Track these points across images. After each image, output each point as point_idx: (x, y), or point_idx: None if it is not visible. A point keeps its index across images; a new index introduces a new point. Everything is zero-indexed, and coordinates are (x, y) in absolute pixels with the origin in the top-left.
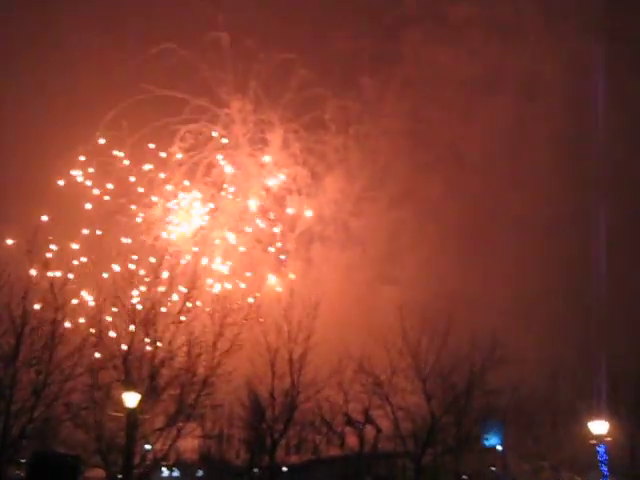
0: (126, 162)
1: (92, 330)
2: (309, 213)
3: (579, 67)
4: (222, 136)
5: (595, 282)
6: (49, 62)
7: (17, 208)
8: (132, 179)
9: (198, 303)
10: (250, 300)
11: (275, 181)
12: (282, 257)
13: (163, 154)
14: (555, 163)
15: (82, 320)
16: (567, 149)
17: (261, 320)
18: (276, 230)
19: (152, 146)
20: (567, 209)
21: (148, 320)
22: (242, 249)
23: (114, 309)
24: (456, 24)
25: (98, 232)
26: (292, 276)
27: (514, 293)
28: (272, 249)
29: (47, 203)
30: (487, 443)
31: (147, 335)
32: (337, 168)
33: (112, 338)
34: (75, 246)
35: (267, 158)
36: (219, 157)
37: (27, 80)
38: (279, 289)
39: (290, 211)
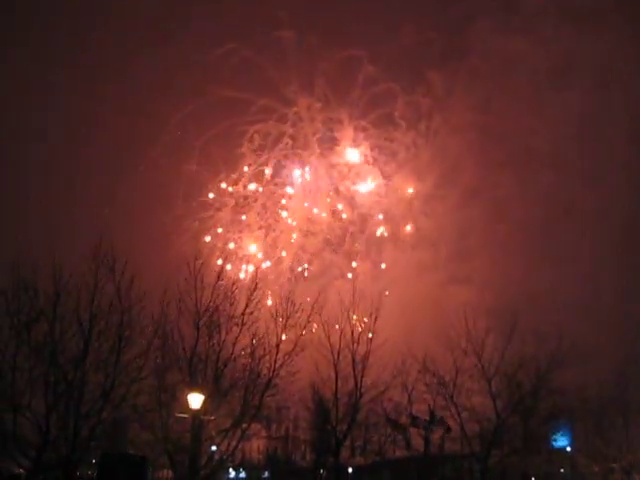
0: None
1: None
2: (380, 215)
3: None
4: (291, 136)
5: None
6: (110, 66)
7: (84, 212)
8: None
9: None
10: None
11: (346, 182)
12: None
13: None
14: (633, 156)
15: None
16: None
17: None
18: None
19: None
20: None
21: (212, 322)
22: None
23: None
24: (526, 13)
25: None
26: (349, 275)
27: (586, 292)
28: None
29: (114, 207)
30: (555, 444)
31: (211, 337)
32: (406, 166)
33: (177, 340)
34: None
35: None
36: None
37: (87, 85)
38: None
39: (360, 211)
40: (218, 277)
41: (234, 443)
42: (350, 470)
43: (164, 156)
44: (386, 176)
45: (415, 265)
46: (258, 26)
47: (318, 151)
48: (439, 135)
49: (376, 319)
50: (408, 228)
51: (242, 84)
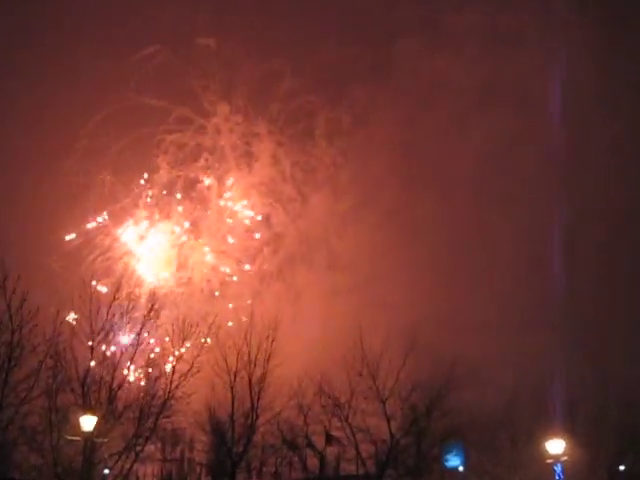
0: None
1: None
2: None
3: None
4: (208, 149)
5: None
6: (29, 65)
7: None
8: None
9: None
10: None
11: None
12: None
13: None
14: (549, 182)
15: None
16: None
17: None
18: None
19: None
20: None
21: (106, 342)
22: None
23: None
24: (452, 33)
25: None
26: (249, 301)
27: (490, 315)
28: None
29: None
30: (448, 464)
31: (105, 357)
32: (325, 185)
33: (69, 361)
34: None
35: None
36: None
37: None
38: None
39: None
40: (114, 296)
41: (127, 466)
42: None
43: (77, 166)
44: (303, 195)
45: (328, 287)
46: (178, 31)
47: (234, 165)
48: (359, 153)
49: (273, 341)
50: (323, 250)
51: (159, 91)
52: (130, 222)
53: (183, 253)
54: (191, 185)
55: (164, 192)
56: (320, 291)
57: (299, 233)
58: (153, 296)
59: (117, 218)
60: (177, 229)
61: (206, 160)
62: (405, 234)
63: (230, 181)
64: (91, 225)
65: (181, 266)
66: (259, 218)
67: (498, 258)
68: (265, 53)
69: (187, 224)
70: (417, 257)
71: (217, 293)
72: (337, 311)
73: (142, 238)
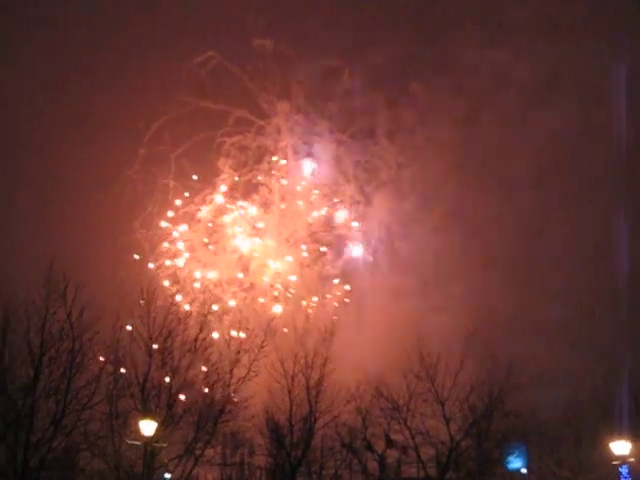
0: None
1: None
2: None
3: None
4: (270, 151)
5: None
6: (83, 74)
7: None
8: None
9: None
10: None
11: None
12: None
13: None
14: (613, 179)
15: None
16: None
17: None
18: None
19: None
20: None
21: (165, 348)
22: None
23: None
24: (512, 25)
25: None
26: (304, 302)
27: (551, 315)
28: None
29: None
30: (511, 467)
31: (164, 363)
32: (388, 185)
33: (129, 367)
34: None
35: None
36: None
37: (59, 95)
38: None
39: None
40: (171, 302)
41: (188, 470)
42: None
43: (140, 173)
44: (366, 195)
45: (390, 290)
46: (233, 34)
47: (296, 166)
48: (421, 152)
49: (330, 344)
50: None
51: (216, 95)
52: (193, 227)
53: (246, 257)
54: (254, 188)
55: (226, 196)
56: (382, 294)
57: (362, 234)
58: (209, 302)
59: (180, 223)
60: (240, 232)
61: (268, 163)
62: (467, 234)
63: (292, 183)
64: (154, 231)
65: (244, 270)
66: (322, 220)
67: (562, 257)
68: (322, 52)
69: (250, 227)
70: (479, 258)
71: (276, 293)
72: (397, 314)
73: (205, 243)
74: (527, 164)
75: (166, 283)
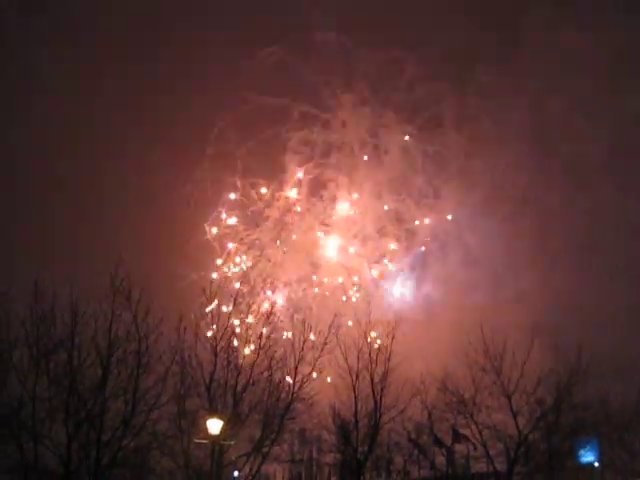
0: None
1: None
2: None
3: None
4: (335, 145)
5: None
6: (146, 75)
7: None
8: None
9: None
10: None
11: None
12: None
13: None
14: None
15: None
16: None
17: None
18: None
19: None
20: None
21: (229, 347)
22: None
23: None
24: (580, 4)
25: None
26: (355, 296)
27: (626, 306)
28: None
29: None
30: (582, 460)
31: (229, 362)
32: (457, 176)
33: (195, 366)
34: None
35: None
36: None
37: (126, 96)
38: None
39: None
40: (234, 302)
41: (256, 467)
42: None
43: (207, 173)
44: (435, 188)
45: (460, 282)
46: (295, 28)
47: (364, 161)
48: (490, 140)
49: (393, 338)
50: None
51: (280, 90)
52: (262, 226)
53: (316, 254)
54: (322, 184)
55: (295, 193)
56: (450, 287)
57: (431, 228)
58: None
59: (250, 222)
60: (309, 229)
61: (336, 159)
62: (538, 224)
63: (359, 177)
64: (223, 231)
65: (315, 267)
66: (389, 214)
67: (636, 245)
68: (385, 42)
69: (318, 224)
70: (550, 247)
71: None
72: (464, 307)
73: (275, 241)
74: (599, 149)
75: (236, 285)
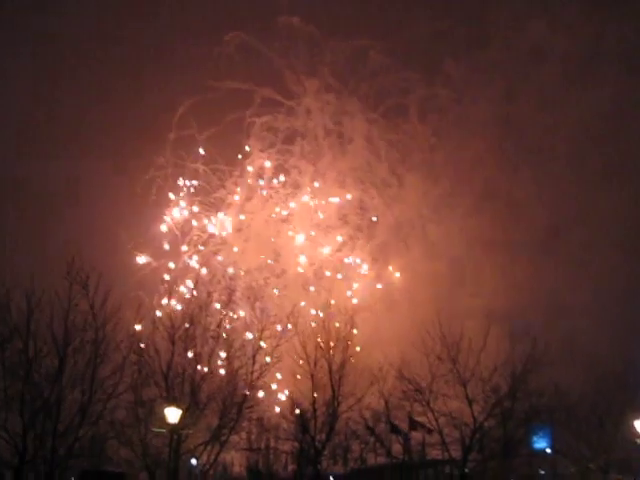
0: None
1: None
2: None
3: None
4: (298, 132)
5: None
6: (109, 61)
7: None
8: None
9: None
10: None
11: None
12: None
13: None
14: None
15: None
16: None
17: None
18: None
19: None
20: None
21: (187, 336)
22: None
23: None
24: None
25: None
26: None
27: (587, 295)
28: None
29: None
30: (536, 446)
31: (186, 351)
32: (420, 167)
33: (152, 355)
34: None
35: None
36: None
37: (86, 81)
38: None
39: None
40: (192, 291)
41: (213, 456)
42: (331, 479)
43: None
44: (398, 177)
45: (421, 274)
46: (258, 12)
47: (328, 149)
48: (455, 131)
49: (352, 327)
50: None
51: (243, 74)
52: (224, 213)
53: (277, 242)
54: (285, 171)
55: (257, 180)
56: (412, 278)
57: (394, 219)
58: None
59: (211, 209)
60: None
61: (300, 146)
62: (502, 216)
63: (323, 165)
64: (182, 218)
65: (276, 255)
66: (352, 203)
67: (598, 238)
68: (352, 30)
69: (281, 212)
70: (511, 239)
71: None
72: (423, 297)
73: (237, 229)
74: (566, 143)
75: (203, 271)
